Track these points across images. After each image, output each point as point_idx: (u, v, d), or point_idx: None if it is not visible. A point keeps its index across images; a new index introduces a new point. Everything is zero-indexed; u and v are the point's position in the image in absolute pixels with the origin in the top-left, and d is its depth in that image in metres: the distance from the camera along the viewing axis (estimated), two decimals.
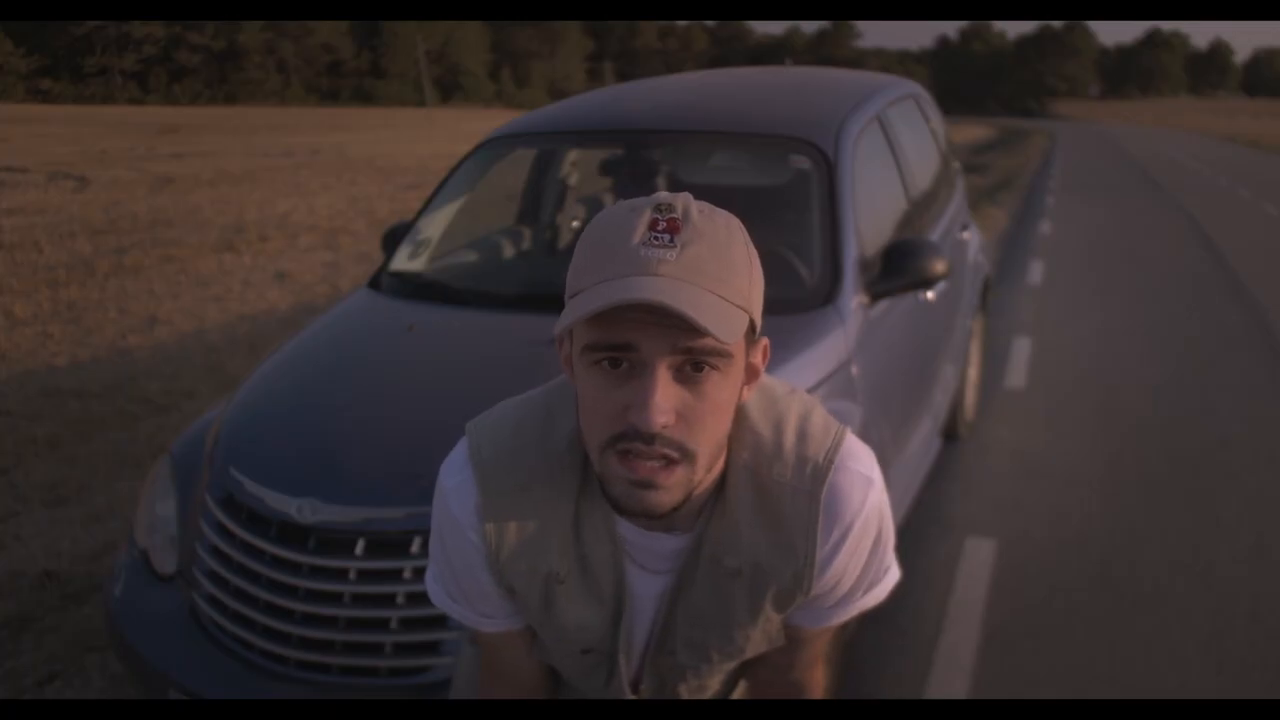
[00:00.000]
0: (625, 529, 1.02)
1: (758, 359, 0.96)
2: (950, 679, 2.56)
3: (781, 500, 0.99)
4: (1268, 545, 3.28)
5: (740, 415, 0.98)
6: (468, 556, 1.06)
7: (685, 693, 1.17)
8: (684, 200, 0.89)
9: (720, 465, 0.98)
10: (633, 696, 1.16)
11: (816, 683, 1.21)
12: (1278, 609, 2.88)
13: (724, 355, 0.87)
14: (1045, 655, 2.66)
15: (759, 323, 0.93)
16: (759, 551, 1.01)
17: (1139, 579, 3.06)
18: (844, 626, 1.14)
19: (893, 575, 1.09)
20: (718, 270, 0.87)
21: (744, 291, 0.89)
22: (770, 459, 0.99)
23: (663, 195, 0.89)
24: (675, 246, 0.86)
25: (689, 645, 1.09)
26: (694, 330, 0.83)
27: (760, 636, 1.09)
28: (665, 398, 0.86)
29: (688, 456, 0.89)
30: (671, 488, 0.90)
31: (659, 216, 0.87)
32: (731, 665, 1.15)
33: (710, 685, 1.18)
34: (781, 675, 1.19)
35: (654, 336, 0.85)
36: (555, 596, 1.05)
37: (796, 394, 1.05)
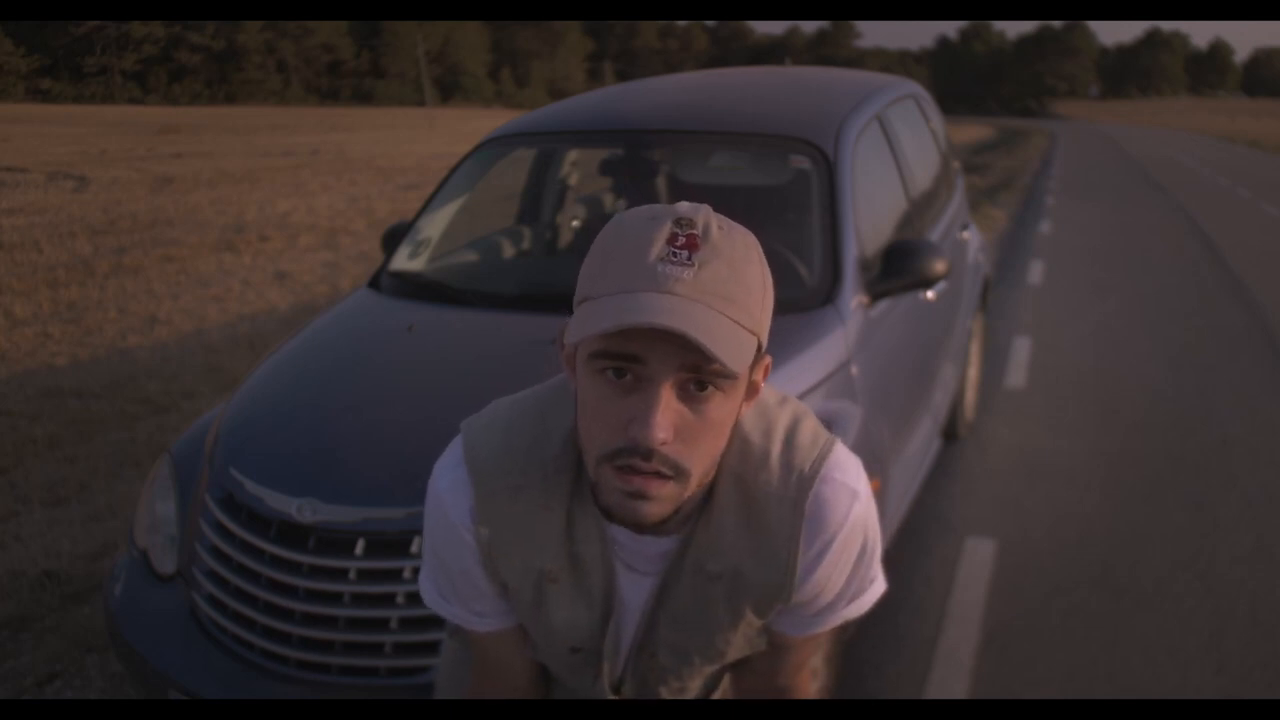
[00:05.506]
0: (615, 531, 1.02)
1: (759, 376, 0.95)
2: (950, 679, 2.56)
3: (766, 508, 0.99)
4: (1268, 545, 3.28)
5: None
6: (462, 556, 1.06)
7: (666, 694, 1.17)
8: (704, 215, 0.88)
9: (711, 473, 0.98)
10: (614, 696, 1.16)
11: (803, 688, 1.21)
12: (1277, 609, 2.88)
13: (729, 377, 0.87)
14: (1045, 655, 2.66)
15: (765, 342, 0.92)
16: (741, 557, 1.01)
17: (1139, 579, 3.06)
18: (842, 630, 1.14)
19: (878, 587, 1.08)
20: (733, 291, 0.86)
21: (755, 315, 0.88)
22: (757, 466, 0.99)
23: (683, 208, 0.88)
24: (693, 265, 0.84)
25: (670, 647, 1.10)
26: (703, 353, 0.83)
27: (741, 641, 1.09)
28: (667, 415, 0.86)
29: (681, 475, 0.89)
30: (662, 499, 0.90)
31: (678, 231, 0.86)
32: (713, 668, 1.15)
33: (691, 687, 1.18)
34: (766, 681, 1.18)
35: (663, 353, 0.84)
36: (546, 595, 1.06)
37: (788, 403, 1.04)
